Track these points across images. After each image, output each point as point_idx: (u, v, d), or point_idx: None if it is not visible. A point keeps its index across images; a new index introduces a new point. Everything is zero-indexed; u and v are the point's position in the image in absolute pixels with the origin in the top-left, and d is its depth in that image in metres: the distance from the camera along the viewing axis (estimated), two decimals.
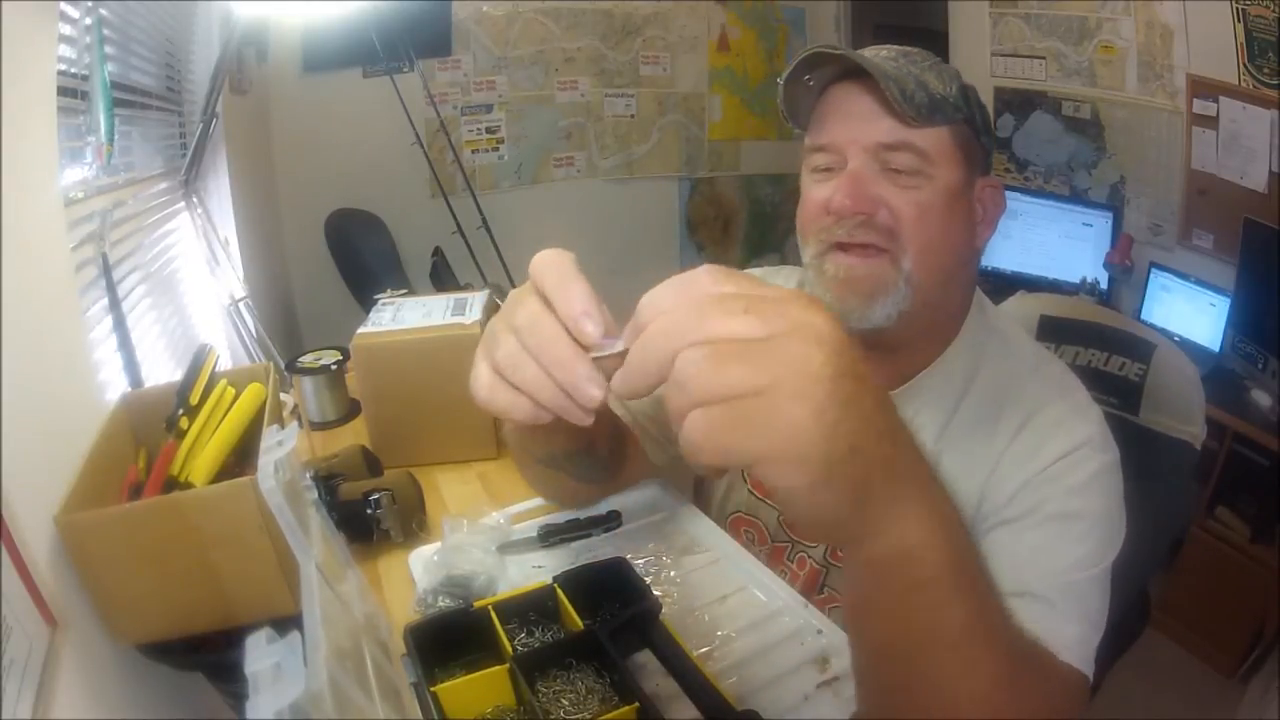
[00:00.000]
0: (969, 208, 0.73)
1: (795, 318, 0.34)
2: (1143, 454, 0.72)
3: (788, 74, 0.71)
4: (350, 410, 1.30)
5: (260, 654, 0.38)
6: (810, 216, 0.73)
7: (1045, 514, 0.66)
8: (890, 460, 0.37)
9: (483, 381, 0.43)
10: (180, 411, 0.80)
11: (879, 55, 0.72)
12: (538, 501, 0.99)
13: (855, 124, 0.70)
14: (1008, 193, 0.76)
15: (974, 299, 0.79)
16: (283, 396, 1.21)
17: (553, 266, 0.41)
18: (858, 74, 0.69)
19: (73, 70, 1.06)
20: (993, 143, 0.77)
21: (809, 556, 0.88)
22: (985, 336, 0.77)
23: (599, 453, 0.78)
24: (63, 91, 0.97)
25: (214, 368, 0.89)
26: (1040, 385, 0.73)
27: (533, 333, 0.40)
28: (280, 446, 0.58)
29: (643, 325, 0.36)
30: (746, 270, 0.93)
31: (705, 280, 0.36)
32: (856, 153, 0.70)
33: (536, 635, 0.74)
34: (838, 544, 0.38)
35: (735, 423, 0.33)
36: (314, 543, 0.60)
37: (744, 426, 0.33)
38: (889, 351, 0.77)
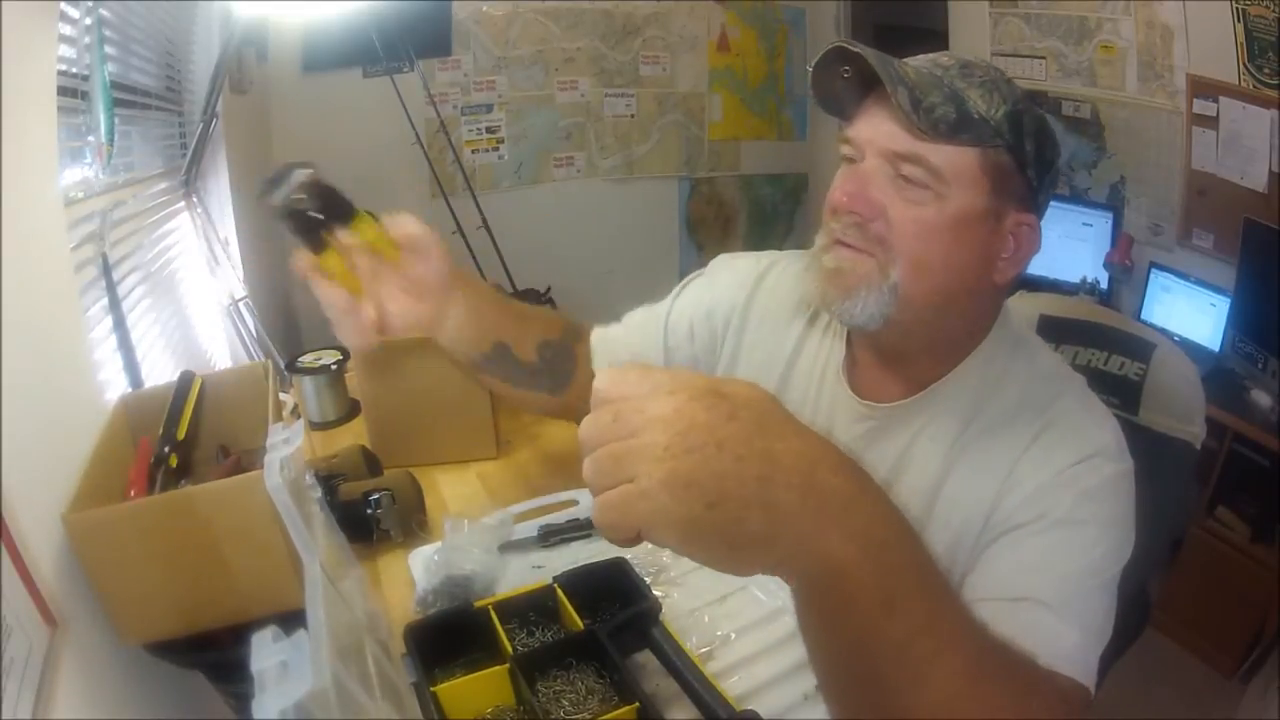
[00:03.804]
0: (988, 238, 0.69)
1: (651, 413, 0.43)
2: (1142, 454, 0.72)
3: (815, 60, 0.69)
4: (350, 410, 1.30)
5: (266, 652, 0.38)
6: (827, 206, 0.72)
7: (1053, 519, 0.65)
8: (769, 501, 0.43)
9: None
10: (167, 449, 0.80)
11: (925, 62, 0.69)
12: (538, 501, 0.99)
13: (876, 124, 0.68)
14: None
15: (1001, 312, 0.77)
16: (282, 396, 1.21)
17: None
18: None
19: (73, 70, 1.06)
20: (1048, 180, 0.71)
21: None
22: (1008, 349, 0.76)
23: (517, 358, 0.87)
24: (63, 91, 0.97)
25: (198, 396, 0.88)
26: (1059, 397, 0.72)
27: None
28: (286, 444, 0.58)
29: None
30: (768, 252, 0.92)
31: (598, 387, 0.45)
32: (872, 153, 0.69)
33: (536, 635, 0.74)
34: (753, 573, 0.45)
35: (618, 505, 0.43)
36: (318, 541, 0.60)
37: (623, 507, 0.42)
38: (899, 361, 0.77)
